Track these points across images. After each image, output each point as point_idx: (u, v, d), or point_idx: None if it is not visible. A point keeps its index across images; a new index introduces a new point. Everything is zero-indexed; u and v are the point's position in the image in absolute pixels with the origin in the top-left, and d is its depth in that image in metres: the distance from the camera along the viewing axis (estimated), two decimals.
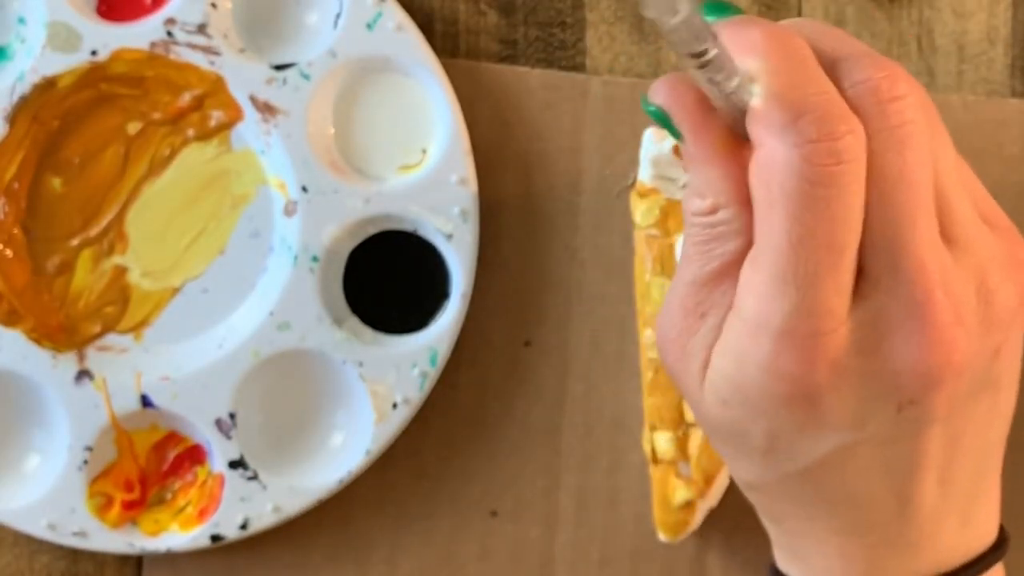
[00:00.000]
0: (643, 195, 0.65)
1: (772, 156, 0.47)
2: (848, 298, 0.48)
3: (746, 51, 0.47)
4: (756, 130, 0.47)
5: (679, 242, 0.64)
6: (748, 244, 0.49)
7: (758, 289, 0.47)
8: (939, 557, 0.52)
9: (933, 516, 0.51)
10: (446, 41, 0.70)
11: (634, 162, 0.66)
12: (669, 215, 0.64)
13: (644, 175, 0.65)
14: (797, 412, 0.48)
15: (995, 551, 0.53)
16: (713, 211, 0.49)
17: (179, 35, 0.68)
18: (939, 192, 0.49)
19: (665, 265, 0.65)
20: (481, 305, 0.69)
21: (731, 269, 0.49)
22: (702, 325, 0.50)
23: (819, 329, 0.47)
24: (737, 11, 0.49)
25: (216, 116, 0.69)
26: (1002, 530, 0.54)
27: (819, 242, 0.46)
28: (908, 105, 0.48)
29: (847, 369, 0.48)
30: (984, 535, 0.53)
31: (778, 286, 0.47)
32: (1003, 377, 0.51)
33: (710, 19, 0.47)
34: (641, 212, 0.65)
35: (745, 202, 0.48)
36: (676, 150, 0.65)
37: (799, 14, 0.68)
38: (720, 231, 0.49)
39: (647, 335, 0.65)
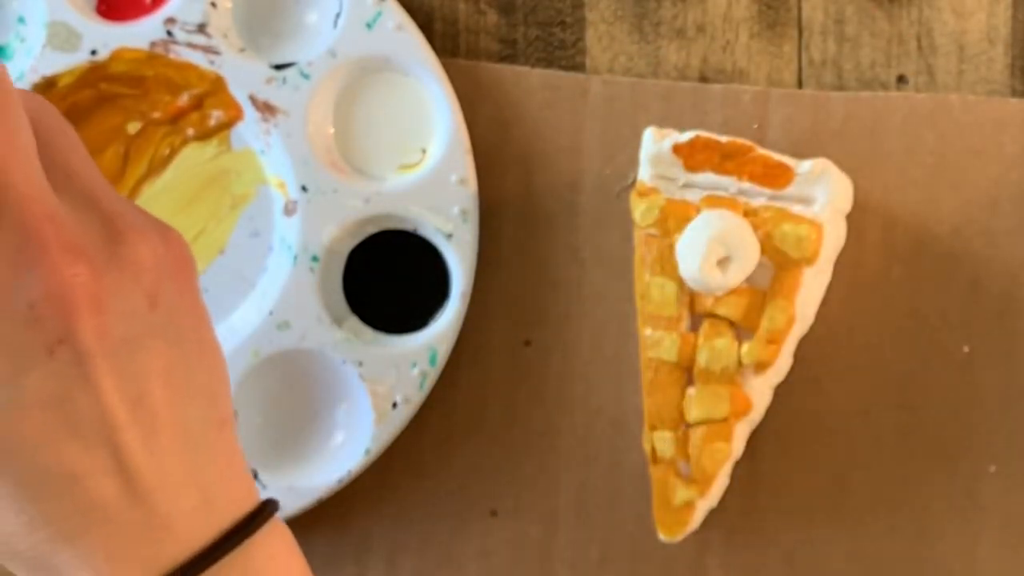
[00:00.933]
0: (643, 195, 0.65)
1: None
2: None
3: None
4: None
5: (679, 242, 0.64)
6: None
7: None
8: (191, 536, 0.49)
9: (163, 487, 0.49)
10: (446, 41, 0.70)
11: (634, 162, 0.66)
12: (669, 215, 0.64)
13: (644, 175, 0.65)
14: None
15: (252, 519, 0.51)
16: None
17: (179, 35, 0.68)
18: (61, 156, 0.49)
19: (665, 265, 0.65)
20: (481, 305, 0.69)
21: None
22: None
23: None
24: None
25: (216, 116, 0.69)
26: (268, 503, 0.52)
27: None
28: None
29: None
30: (241, 504, 0.51)
31: None
32: (181, 332, 0.50)
33: None
34: (641, 212, 0.65)
35: None
36: (676, 149, 0.65)
37: (799, 14, 0.68)
38: None
39: (647, 335, 0.65)
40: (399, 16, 0.68)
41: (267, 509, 0.51)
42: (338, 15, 0.68)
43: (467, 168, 0.68)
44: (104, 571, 0.48)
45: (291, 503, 0.68)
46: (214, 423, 0.51)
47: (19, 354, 0.46)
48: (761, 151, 0.65)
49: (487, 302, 0.69)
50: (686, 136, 0.65)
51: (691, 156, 0.65)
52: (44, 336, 0.47)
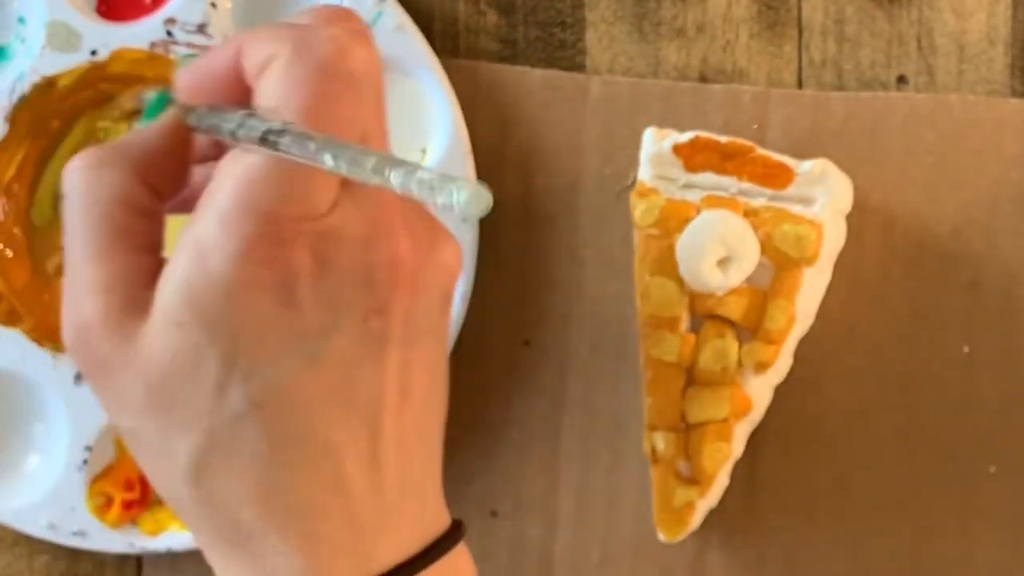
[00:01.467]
0: (643, 195, 0.65)
1: (295, 58, 0.48)
2: (334, 193, 0.47)
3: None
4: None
5: (679, 242, 0.64)
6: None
7: (244, 175, 0.46)
8: (404, 542, 0.50)
9: (399, 486, 0.49)
10: (446, 41, 0.70)
11: (634, 162, 0.66)
12: (669, 215, 0.64)
13: (644, 175, 0.65)
14: (268, 306, 0.46)
15: (453, 534, 0.51)
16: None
17: (179, 35, 0.68)
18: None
19: (665, 265, 0.65)
20: (481, 305, 0.69)
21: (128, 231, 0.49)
22: (116, 291, 0.48)
23: (307, 213, 0.47)
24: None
25: None
26: (460, 521, 0.53)
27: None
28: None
29: (325, 259, 0.47)
30: (439, 520, 0.52)
31: (270, 170, 0.46)
32: (443, 339, 0.51)
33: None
34: (641, 212, 0.65)
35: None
36: (676, 149, 0.65)
37: (799, 14, 0.68)
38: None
39: (647, 335, 0.65)
40: (399, 16, 0.68)
41: (460, 529, 0.52)
42: None
43: (467, 168, 0.68)
44: (313, 562, 0.48)
45: None
46: (439, 437, 0.52)
47: (341, 309, 0.47)
48: (761, 151, 0.65)
49: (487, 302, 0.69)
50: (686, 136, 0.65)
51: (691, 156, 0.65)
52: (369, 300, 0.47)
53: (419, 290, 0.49)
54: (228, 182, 0.47)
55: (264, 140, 0.46)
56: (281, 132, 0.46)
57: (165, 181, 0.51)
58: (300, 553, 0.48)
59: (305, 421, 0.47)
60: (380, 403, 0.48)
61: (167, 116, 0.52)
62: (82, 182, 0.49)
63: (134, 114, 0.69)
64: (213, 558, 0.49)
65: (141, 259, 0.49)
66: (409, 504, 0.50)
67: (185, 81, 0.51)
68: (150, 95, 0.54)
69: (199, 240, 0.47)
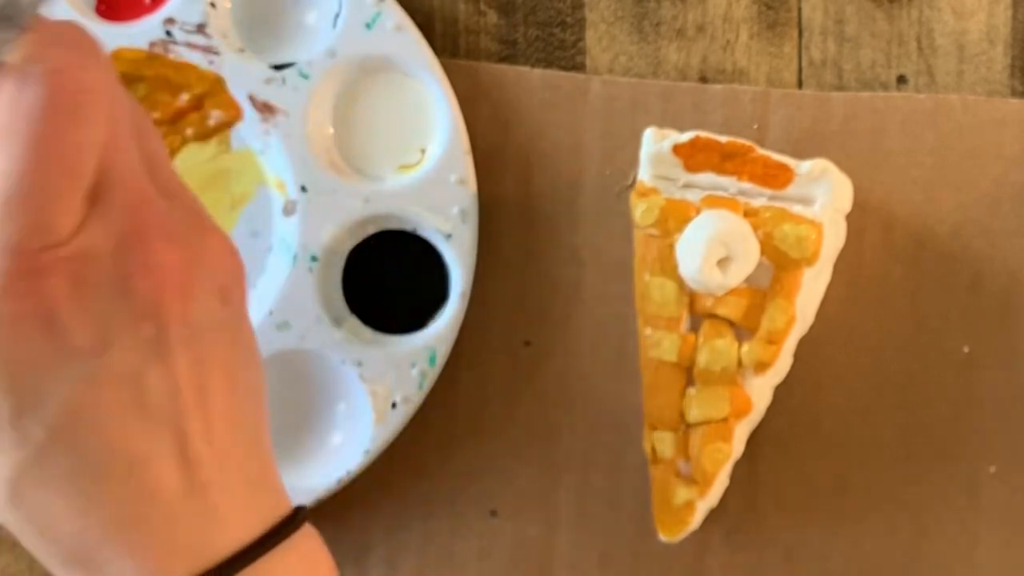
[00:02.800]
0: (643, 195, 0.65)
1: (18, 92, 0.47)
2: (79, 214, 0.47)
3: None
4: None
5: (679, 242, 0.64)
6: None
7: None
8: (237, 533, 0.50)
9: (219, 481, 0.49)
10: (446, 41, 0.70)
11: (634, 162, 0.66)
12: (669, 215, 0.64)
13: (644, 175, 0.65)
14: (35, 336, 0.47)
15: (293, 519, 0.52)
16: None
17: (178, 35, 0.68)
18: (148, 146, 0.50)
19: (665, 265, 0.65)
20: (481, 305, 0.69)
21: None
22: None
23: (54, 240, 0.47)
24: None
25: (215, 116, 0.69)
26: (301, 508, 0.53)
27: (56, 166, 0.47)
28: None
29: (80, 281, 0.47)
30: (278, 506, 0.52)
31: (5, 205, 0.46)
32: (239, 332, 0.51)
33: None
34: (641, 212, 0.65)
35: None
36: (676, 149, 0.65)
37: (799, 14, 0.68)
38: None
39: (647, 335, 0.65)
40: (398, 16, 0.68)
41: (302, 512, 0.52)
42: (337, 15, 0.68)
43: (466, 168, 0.68)
44: (148, 565, 0.48)
45: None
46: (261, 424, 0.52)
47: (107, 324, 0.47)
48: (761, 151, 0.65)
49: (487, 302, 0.69)
50: (686, 136, 0.65)
51: (691, 156, 0.65)
52: (133, 309, 0.48)
53: (190, 288, 0.49)
54: None
55: None
56: None
57: None
58: (132, 559, 0.48)
59: (104, 437, 0.48)
60: (177, 405, 0.49)
61: None
62: None
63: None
64: None
65: None
66: (237, 494, 0.50)
67: None
68: None
69: None
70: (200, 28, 0.68)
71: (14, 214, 0.46)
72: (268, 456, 0.53)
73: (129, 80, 0.69)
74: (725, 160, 0.65)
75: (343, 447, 0.69)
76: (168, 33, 0.68)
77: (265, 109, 0.68)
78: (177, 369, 0.49)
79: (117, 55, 0.68)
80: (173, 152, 0.69)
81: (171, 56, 0.68)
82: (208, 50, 0.68)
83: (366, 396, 0.68)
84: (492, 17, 0.70)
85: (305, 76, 0.68)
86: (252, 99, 0.68)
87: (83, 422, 0.48)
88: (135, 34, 0.68)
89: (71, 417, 0.47)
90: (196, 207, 0.51)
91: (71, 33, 0.49)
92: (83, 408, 0.48)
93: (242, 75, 0.68)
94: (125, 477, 0.48)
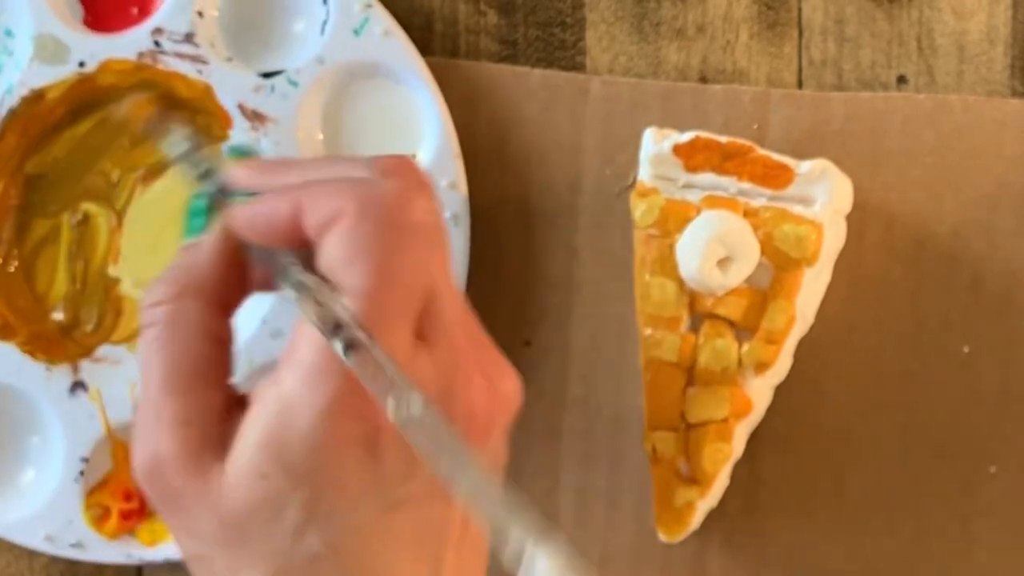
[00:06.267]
0: (643, 195, 0.65)
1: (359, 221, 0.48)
2: (412, 345, 0.48)
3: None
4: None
5: (679, 242, 0.64)
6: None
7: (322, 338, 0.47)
8: None
9: None
10: (446, 41, 0.70)
11: (634, 162, 0.66)
12: (669, 215, 0.64)
13: (644, 175, 0.65)
14: (353, 460, 0.47)
15: None
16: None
17: (166, 45, 0.68)
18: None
19: (665, 265, 0.65)
20: (480, 305, 0.69)
21: (206, 363, 0.50)
22: (193, 425, 0.49)
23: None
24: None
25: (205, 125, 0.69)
26: None
27: (399, 289, 0.48)
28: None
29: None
30: None
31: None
32: (501, 459, 0.53)
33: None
34: (641, 212, 0.65)
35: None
36: (676, 149, 0.65)
37: (799, 14, 0.68)
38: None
39: (647, 335, 0.65)
40: (386, 22, 0.68)
41: None
42: (325, 22, 0.68)
43: (457, 172, 0.68)
44: None
45: None
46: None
47: (415, 455, 0.47)
48: (761, 151, 0.65)
49: (487, 302, 0.69)
50: (686, 136, 0.65)
51: (691, 156, 0.65)
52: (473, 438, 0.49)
53: (489, 434, 0.50)
54: (309, 340, 0.47)
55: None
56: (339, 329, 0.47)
57: (232, 299, 0.52)
58: None
59: (376, 561, 0.49)
60: (445, 538, 0.50)
61: (219, 238, 0.52)
62: (163, 316, 0.50)
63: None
64: None
65: (217, 394, 0.50)
66: None
67: (242, 221, 0.51)
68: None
69: (284, 397, 0.47)
70: (188, 37, 0.68)
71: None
72: None
73: (118, 92, 0.68)
74: (725, 160, 0.65)
75: None
76: (156, 43, 0.68)
77: (255, 117, 0.68)
78: (456, 503, 0.49)
79: (105, 66, 0.68)
80: (165, 166, 0.69)
81: (160, 66, 0.68)
82: (196, 59, 0.68)
83: None
84: (492, 17, 0.70)
85: (294, 83, 0.68)
86: (241, 107, 0.68)
87: (365, 545, 0.48)
88: (123, 45, 0.68)
89: (355, 539, 0.48)
90: (492, 343, 0.52)
91: (405, 163, 0.51)
92: (369, 532, 0.48)
93: (231, 84, 0.68)
94: None
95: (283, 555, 0.48)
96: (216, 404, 0.50)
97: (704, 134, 0.65)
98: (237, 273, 0.52)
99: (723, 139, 0.65)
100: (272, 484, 0.47)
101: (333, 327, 0.46)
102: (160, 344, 0.50)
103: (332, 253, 0.48)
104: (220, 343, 0.51)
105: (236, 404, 0.49)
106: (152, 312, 0.50)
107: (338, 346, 0.46)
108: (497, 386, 0.50)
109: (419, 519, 0.49)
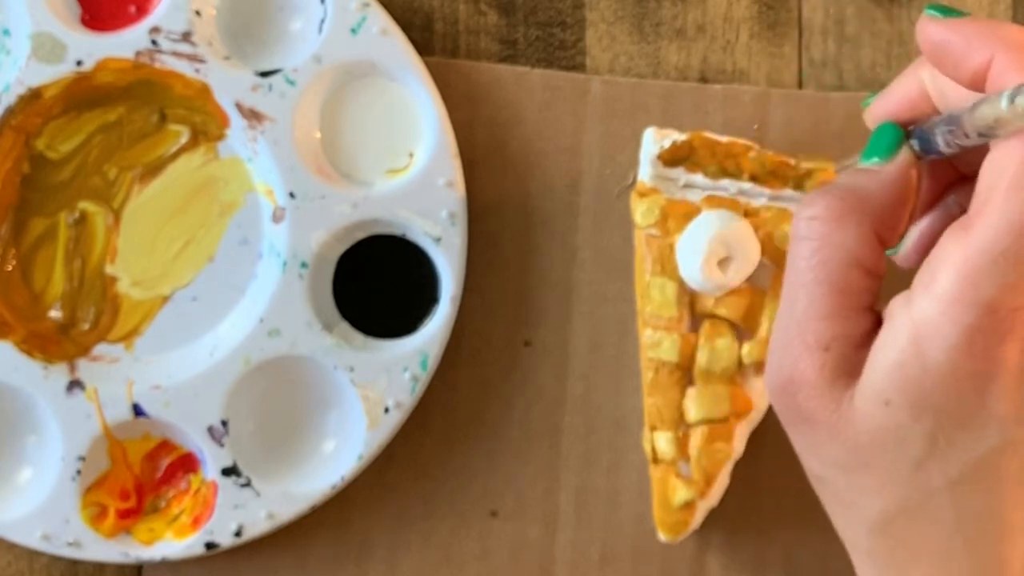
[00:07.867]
0: (643, 195, 0.65)
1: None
2: None
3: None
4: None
5: (679, 242, 0.64)
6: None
7: (967, 265, 0.47)
8: None
9: None
10: (446, 41, 0.69)
11: (634, 162, 0.66)
12: (669, 215, 0.65)
13: (644, 175, 0.65)
14: (972, 396, 0.48)
15: None
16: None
17: (164, 43, 0.67)
18: None
19: (665, 265, 0.65)
20: (480, 305, 0.69)
21: (855, 290, 0.50)
22: (832, 350, 0.50)
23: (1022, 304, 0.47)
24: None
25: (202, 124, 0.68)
26: None
27: None
28: None
29: None
30: None
31: (995, 257, 0.47)
32: None
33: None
34: (641, 212, 0.65)
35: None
36: (673, 151, 0.65)
37: (799, 14, 0.69)
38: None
39: (647, 335, 0.65)
40: (383, 21, 0.68)
41: None
42: (322, 21, 0.68)
43: (454, 171, 0.67)
44: None
45: (286, 509, 0.67)
46: None
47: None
48: (761, 151, 0.65)
49: (487, 303, 0.69)
50: (686, 136, 0.65)
51: (689, 157, 0.65)
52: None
53: None
54: (950, 267, 0.47)
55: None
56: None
57: (890, 234, 0.52)
58: None
59: (991, 500, 0.49)
60: None
61: (903, 160, 0.52)
62: (821, 234, 0.50)
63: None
64: None
65: (861, 320, 0.50)
66: None
67: (880, 110, 0.52)
68: (883, 129, 0.53)
69: (917, 325, 0.48)
70: (186, 36, 0.67)
71: (998, 269, 0.46)
72: None
73: (116, 90, 0.68)
74: (725, 160, 0.65)
75: (337, 453, 0.68)
76: (154, 42, 0.67)
77: (252, 116, 0.67)
78: None
79: (103, 65, 0.67)
80: (163, 164, 0.68)
81: (157, 65, 0.67)
82: (194, 58, 0.67)
83: (358, 401, 0.68)
84: (492, 17, 0.69)
85: (291, 82, 0.67)
86: (239, 106, 0.68)
87: (981, 482, 0.49)
88: (121, 44, 0.68)
89: (973, 475, 0.48)
90: None
91: None
92: (986, 469, 0.48)
93: (228, 83, 0.68)
94: (996, 540, 0.49)
95: (902, 486, 0.49)
96: (856, 332, 0.50)
97: (704, 134, 0.65)
98: (904, 210, 0.52)
99: (723, 139, 0.65)
100: (894, 412, 0.48)
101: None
102: (814, 263, 0.50)
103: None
104: (870, 274, 0.51)
105: (872, 331, 0.50)
106: (810, 225, 0.50)
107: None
108: None
109: None
